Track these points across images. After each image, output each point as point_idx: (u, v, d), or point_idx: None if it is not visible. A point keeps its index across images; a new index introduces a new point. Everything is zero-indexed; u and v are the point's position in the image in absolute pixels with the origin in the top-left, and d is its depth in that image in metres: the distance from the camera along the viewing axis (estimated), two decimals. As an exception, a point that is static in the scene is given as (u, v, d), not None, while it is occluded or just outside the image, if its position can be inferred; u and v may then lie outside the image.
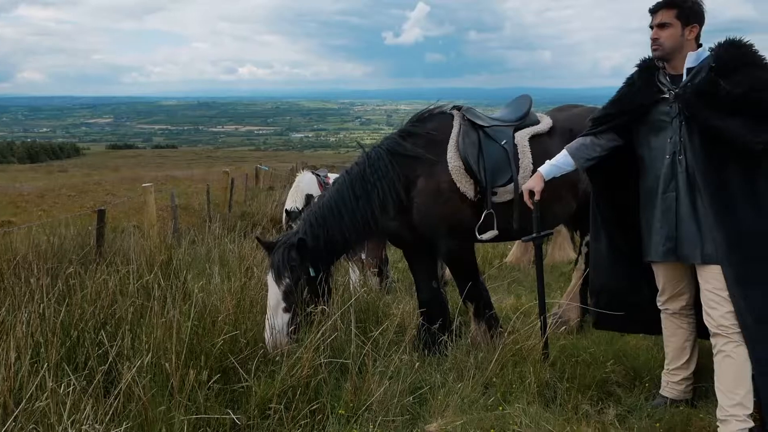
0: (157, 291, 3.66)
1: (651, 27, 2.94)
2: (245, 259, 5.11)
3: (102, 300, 3.57)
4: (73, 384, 2.61)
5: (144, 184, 6.85)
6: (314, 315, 3.42)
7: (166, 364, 2.85)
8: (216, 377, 2.95)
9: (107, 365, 2.87)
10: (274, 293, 3.58)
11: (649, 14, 2.98)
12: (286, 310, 3.56)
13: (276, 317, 3.53)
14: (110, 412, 2.59)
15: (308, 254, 3.59)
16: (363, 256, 5.25)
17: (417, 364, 3.34)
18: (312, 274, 3.62)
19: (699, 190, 2.83)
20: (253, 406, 2.93)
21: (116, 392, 2.65)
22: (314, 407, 2.94)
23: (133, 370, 2.68)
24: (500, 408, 3.04)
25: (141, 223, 7.04)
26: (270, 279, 3.61)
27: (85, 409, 2.49)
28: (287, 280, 3.56)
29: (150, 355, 2.90)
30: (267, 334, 3.46)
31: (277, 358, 3.24)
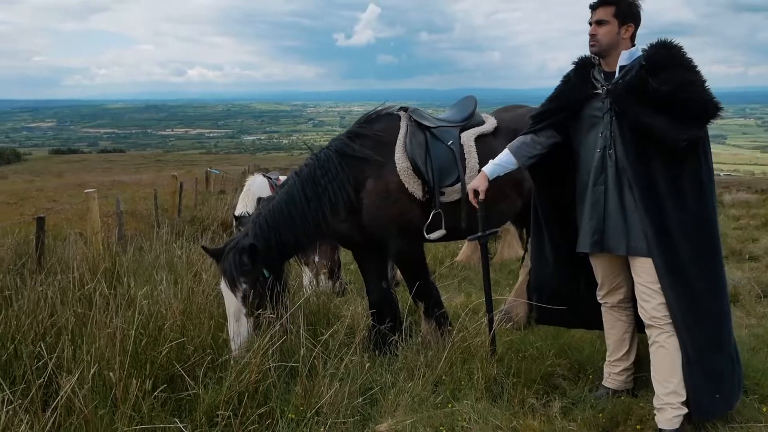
0: (99, 299, 3.56)
1: (590, 23, 3.04)
2: (193, 265, 5.02)
3: (41, 310, 3.44)
4: (8, 399, 2.51)
5: (87, 190, 6.64)
6: (263, 318, 3.39)
7: (109, 375, 2.78)
8: (162, 386, 2.89)
9: (45, 378, 2.77)
10: (231, 300, 3.52)
11: (589, 11, 3.07)
12: (248, 315, 3.51)
13: (240, 324, 3.49)
14: (48, 427, 2.50)
15: (259, 257, 3.56)
16: (315, 259, 5.23)
17: (368, 365, 3.35)
18: (267, 275, 3.59)
19: (627, 184, 2.94)
20: (200, 414, 2.88)
21: (55, 405, 2.57)
22: (263, 412, 2.91)
23: (73, 381, 2.60)
24: (449, 405, 3.09)
25: (84, 230, 6.82)
26: (224, 286, 3.55)
27: (20, 425, 2.40)
28: (244, 285, 3.51)
29: (92, 365, 2.82)
30: (234, 344, 3.41)
31: (227, 363, 3.20)
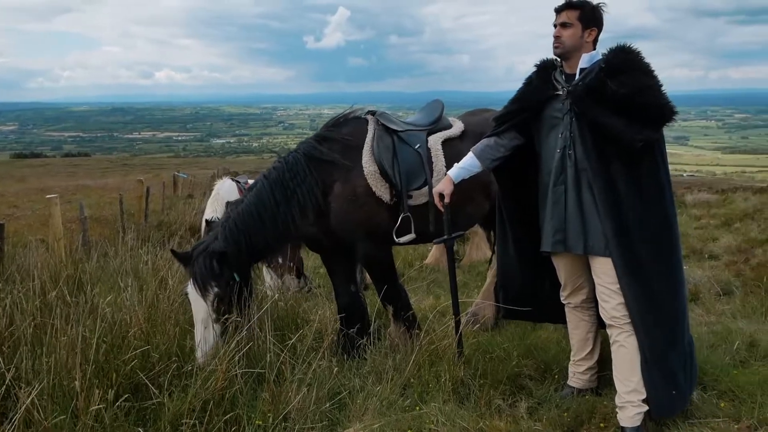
0: (61, 308, 3.48)
1: (554, 26, 3.10)
2: (159, 271, 4.95)
3: (-2, 320, 3.35)
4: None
5: (49, 196, 6.49)
6: (230, 324, 3.36)
7: (70, 385, 2.72)
8: (125, 395, 2.84)
9: (3, 390, 2.70)
10: (200, 306, 3.47)
11: (555, 16, 3.12)
12: (217, 320, 3.47)
13: (207, 330, 3.44)
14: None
15: (230, 262, 3.52)
16: (279, 260, 5.20)
17: (336, 369, 3.36)
18: (237, 279, 3.56)
19: (586, 184, 3.00)
20: (165, 423, 2.84)
21: (12, 418, 2.50)
22: (229, 419, 2.88)
23: (32, 393, 2.53)
24: (417, 408, 3.10)
25: (46, 236, 6.66)
26: (192, 292, 3.49)
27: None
28: (214, 289, 3.46)
29: (52, 376, 2.76)
30: (200, 351, 3.36)
31: (193, 371, 3.16)
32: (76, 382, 2.72)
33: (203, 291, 3.45)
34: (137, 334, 3.29)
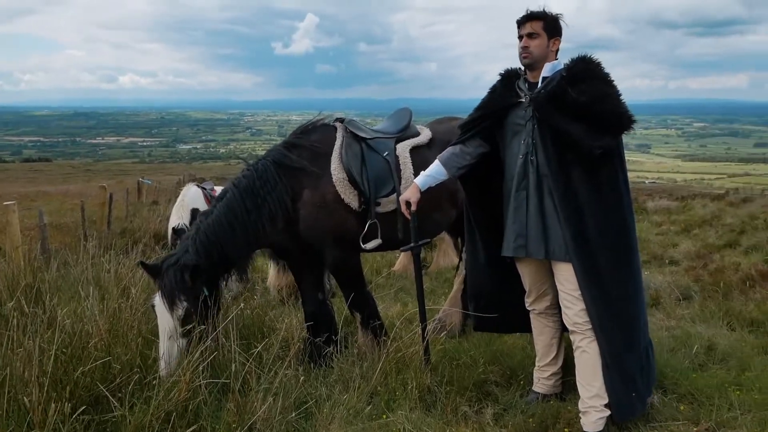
0: (18, 318, 3.38)
1: (520, 37, 3.14)
2: (122, 279, 4.84)
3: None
4: None
5: (6, 202, 6.30)
6: (195, 334, 3.31)
7: (25, 399, 2.64)
8: (84, 408, 2.77)
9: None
10: (167, 320, 3.40)
11: (518, 27, 3.16)
12: (184, 335, 3.40)
13: (172, 343, 3.37)
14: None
15: (201, 275, 3.48)
16: None
17: (302, 378, 3.33)
18: (206, 293, 3.51)
19: (548, 190, 3.05)
20: (126, 436, 2.77)
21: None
22: (193, 430, 2.83)
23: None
24: (384, 417, 3.10)
25: (3, 244, 6.46)
26: (160, 304, 3.42)
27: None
28: (183, 303, 3.40)
29: (7, 390, 2.67)
30: (164, 363, 3.29)
31: (155, 382, 3.10)
32: (32, 396, 2.63)
33: (171, 305, 3.38)
34: (98, 345, 3.20)
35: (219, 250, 3.59)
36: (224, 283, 4.04)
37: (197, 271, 3.44)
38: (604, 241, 2.99)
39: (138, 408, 2.88)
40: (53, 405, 2.59)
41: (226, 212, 3.66)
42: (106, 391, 2.92)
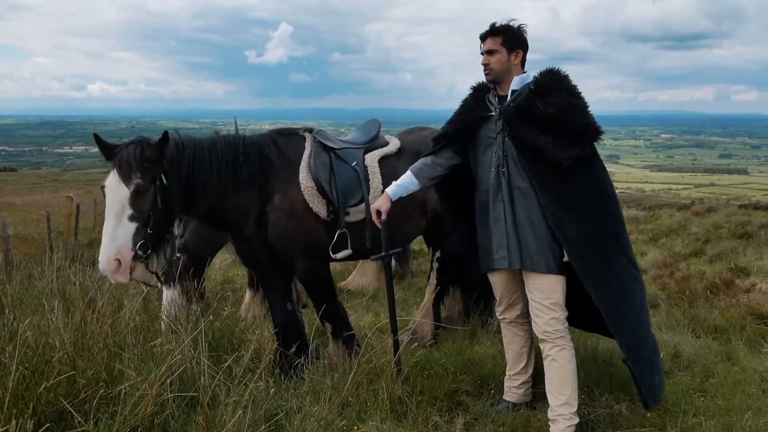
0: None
1: (482, 53, 3.20)
2: (88, 291, 4.74)
3: None
4: None
5: (-32, 213, 6.14)
6: (160, 348, 3.25)
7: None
8: (48, 424, 2.70)
9: None
10: (117, 197, 3.19)
11: (481, 43, 3.22)
12: (132, 218, 3.22)
13: (119, 227, 3.17)
14: None
15: (162, 163, 3.28)
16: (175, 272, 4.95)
17: (273, 390, 3.29)
18: (165, 183, 3.31)
19: (519, 201, 3.10)
20: (91, 452, 2.71)
21: None
22: (160, 446, 2.79)
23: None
24: (355, 428, 3.08)
25: (-35, 256, 6.29)
26: (112, 180, 3.21)
27: None
28: (138, 179, 3.18)
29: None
30: (104, 250, 3.10)
31: (121, 396, 3.03)
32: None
33: (125, 178, 3.17)
34: (62, 359, 3.13)
35: (189, 165, 3.45)
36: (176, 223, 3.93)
37: (159, 152, 3.24)
38: (589, 245, 3.03)
39: (103, 423, 2.81)
40: (14, 422, 2.52)
41: (210, 145, 3.59)
42: (71, 406, 2.85)
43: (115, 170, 3.24)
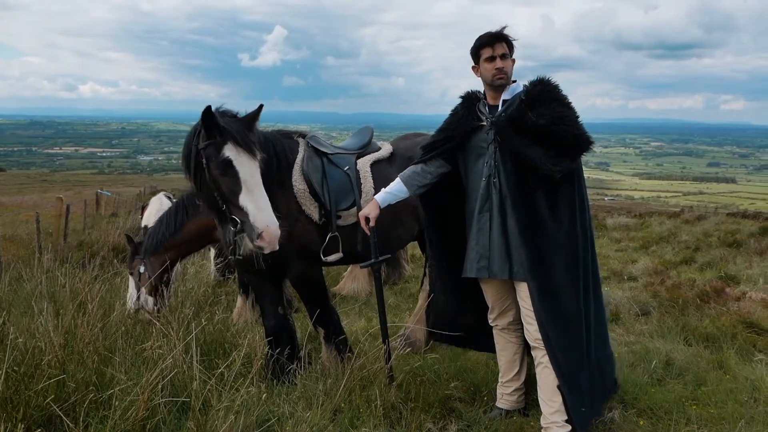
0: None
1: (492, 58, 3.11)
2: (78, 294, 4.69)
3: None
4: None
5: (-44, 214, 6.06)
6: (151, 352, 3.22)
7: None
8: (38, 429, 2.66)
9: None
10: (252, 170, 3.23)
11: (484, 47, 3.14)
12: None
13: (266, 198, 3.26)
14: None
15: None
16: (141, 269, 4.96)
17: (264, 395, 3.26)
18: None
19: (510, 211, 3.09)
20: (80, 457, 2.67)
21: None
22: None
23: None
24: (347, 434, 3.06)
25: (-48, 257, 6.21)
26: (240, 153, 3.20)
27: None
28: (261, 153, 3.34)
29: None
30: (274, 219, 3.20)
31: (112, 401, 3.00)
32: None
33: (251, 152, 3.22)
34: (52, 363, 3.09)
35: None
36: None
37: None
38: (563, 259, 3.04)
39: (93, 428, 2.79)
40: (3, 426, 2.48)
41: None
42: (60, 410, 2.81)
43: (240, 146, 3.21)
